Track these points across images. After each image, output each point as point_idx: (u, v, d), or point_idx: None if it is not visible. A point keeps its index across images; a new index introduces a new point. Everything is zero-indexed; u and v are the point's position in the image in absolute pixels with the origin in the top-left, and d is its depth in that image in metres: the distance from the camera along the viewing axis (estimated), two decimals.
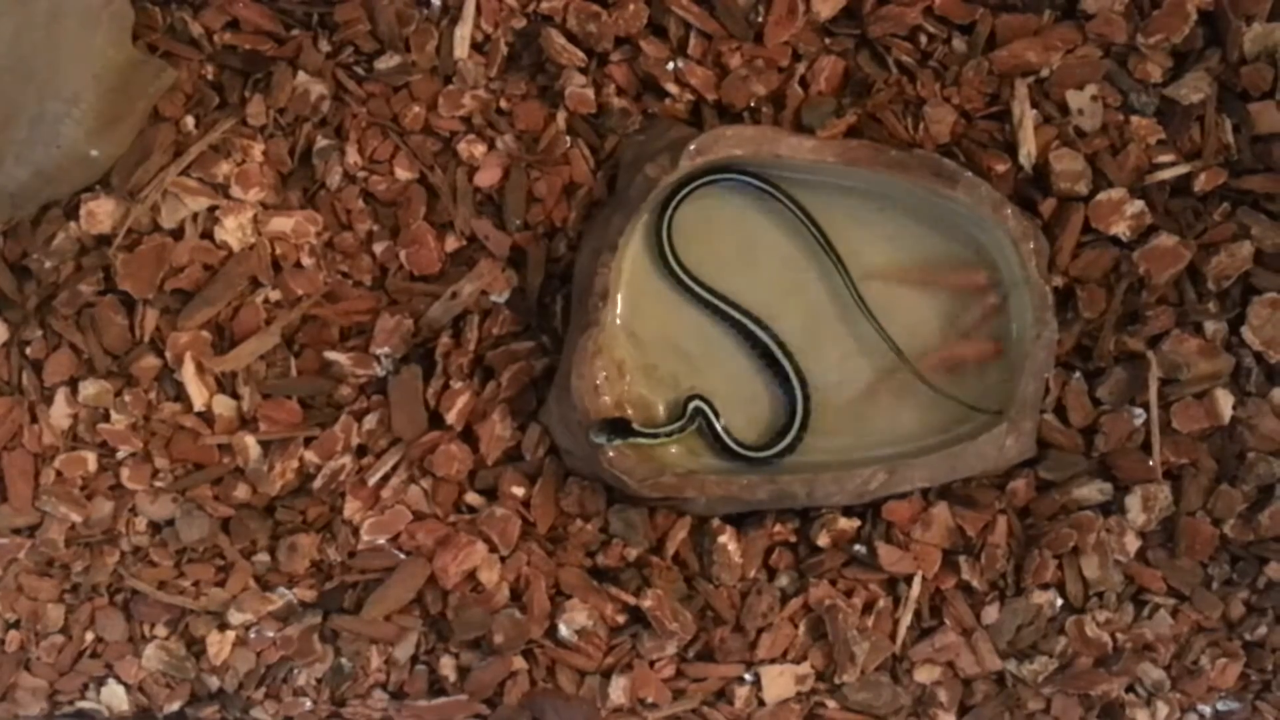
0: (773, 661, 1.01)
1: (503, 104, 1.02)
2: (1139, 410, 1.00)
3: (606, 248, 0.95)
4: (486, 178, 1.01)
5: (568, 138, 1.01)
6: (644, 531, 1.00)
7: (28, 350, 1.01)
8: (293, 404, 1.01)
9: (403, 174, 1.02)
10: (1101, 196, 1.00)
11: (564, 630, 1.00)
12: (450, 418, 0.99)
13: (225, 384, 1.01)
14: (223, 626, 1.02)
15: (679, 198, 0.97)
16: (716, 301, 0.98)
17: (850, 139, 0.99)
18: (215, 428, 1.01)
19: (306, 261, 1.01)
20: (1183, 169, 1.01)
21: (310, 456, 1.00)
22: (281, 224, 1.01)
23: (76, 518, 1.01)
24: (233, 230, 1.00)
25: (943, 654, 1.02)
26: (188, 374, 1.00)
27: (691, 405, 0.97)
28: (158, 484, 1.01)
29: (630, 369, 0.98)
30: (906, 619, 1.01)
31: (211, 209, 1.01)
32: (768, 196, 0.98)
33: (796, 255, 0.99)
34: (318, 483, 1.00)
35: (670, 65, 1.01)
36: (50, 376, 1.01)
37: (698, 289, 0.98)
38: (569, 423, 0.96)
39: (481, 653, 1.01)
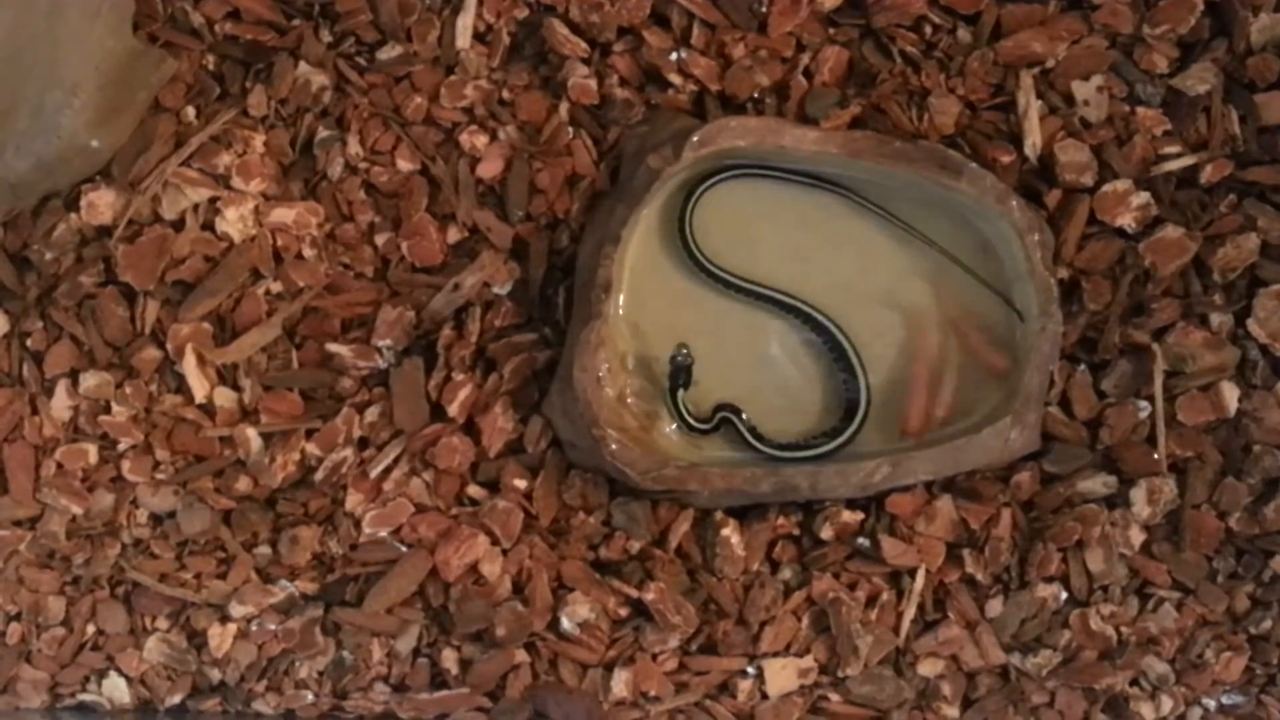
0: (776, 655, 1.01)
1: (505, 95, 1.02)
2: (1144, 403, 1.00)
3: (609, 239, 0.94)
4: (488, 169, 1.01)
5: (570, 129, 1.01)
6: (646, 524, 1.00)
7: (28, 342, 1.01)
8: (294, 396, 1.01)
9: (404, 165, 1.01)
10: (1107, 188, 1.00)
11: (566, 623, 0.99)
12: (452, 410, 0.99)
13: (226, 376, 1.01)
14: (224, 619, 1.02)
15: (698, 194, 0.97)
16: (775, 294, 0.98)
17: (854, 130, 0.99)
18: (216, 420, 1.01)
19: (308, 253, 1.01)
20: (1189, 160, 1.01)
21: (312, 449, 1.00)
22: (283, 215, 1.00)
23: (77, 510, 1.01)
24: (234, 221, 1.00)
25: (946, 647, 1.01)
26: (189, 366, 1.00)
27: (719, 415, 0.97)
28: (159, 476, 1.01)
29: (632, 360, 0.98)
30: (910, 612, 1.00)
31: (212, 200, 1.00)
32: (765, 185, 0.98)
33: (804, 245, 0.99)
34: (319, 475, 1.00)
35: (673, 56, 1.00)
36: (51, 368, 1.01)
37: (750, 285, 0.98)
38: (571, 415, 0.96)
39: (483, 645, 1.01)
